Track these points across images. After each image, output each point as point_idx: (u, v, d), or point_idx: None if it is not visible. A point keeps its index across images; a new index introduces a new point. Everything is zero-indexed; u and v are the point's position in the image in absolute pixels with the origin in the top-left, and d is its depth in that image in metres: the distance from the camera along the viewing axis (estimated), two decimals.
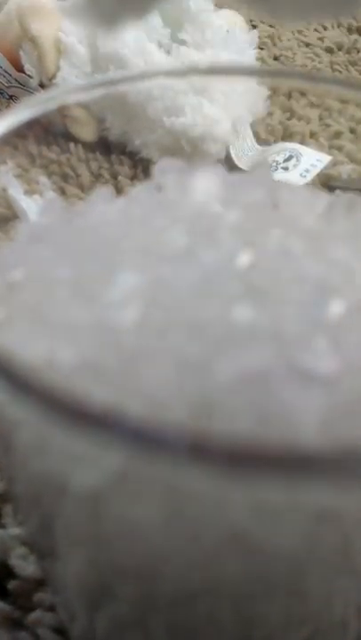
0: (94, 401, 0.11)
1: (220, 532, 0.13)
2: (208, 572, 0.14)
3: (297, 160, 0.34)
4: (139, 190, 0.18)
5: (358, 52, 0.53)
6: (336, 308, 0.15)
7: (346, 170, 0.32)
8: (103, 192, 0.18)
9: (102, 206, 0.17)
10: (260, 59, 0.48)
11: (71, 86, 0.20)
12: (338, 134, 0.33)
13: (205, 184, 0.18)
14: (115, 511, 0.13)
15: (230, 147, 0.35)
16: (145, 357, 0.14)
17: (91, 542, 0.15)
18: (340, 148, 0.33)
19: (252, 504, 0.12)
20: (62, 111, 0.31)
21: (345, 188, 0.29)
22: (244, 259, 0.16)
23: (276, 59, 0.50)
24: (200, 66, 0.26)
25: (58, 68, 0.38)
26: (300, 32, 0.54)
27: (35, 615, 0.22)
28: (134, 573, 0.15)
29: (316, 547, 0.13)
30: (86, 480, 0.12)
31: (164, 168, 0.18)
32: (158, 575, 0.15)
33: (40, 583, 0.22)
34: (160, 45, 0.37)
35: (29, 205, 0.22)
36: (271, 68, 0.44)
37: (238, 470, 0.10)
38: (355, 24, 0.55)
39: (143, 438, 0.10)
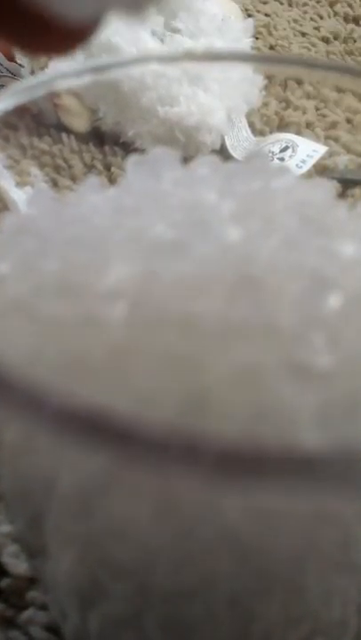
0: (81, 400, 0.10)
1: (212, 534, 0.12)
2: (201, 570, 0.14)
3: (293, 151, 0.34)
4: (130, 179, 0.18)
5: (355, 41, 0.52)
6: (334, 301, 0.15)
7: (342, 160, 0.32)
8: (93, 182, 0.17)
9: (92, 196, 0.17)
10: (256, 48, 0.47)
11: (61, 72, 0.20)
12: (334, 124, 0.33)
13: (200, 173, 0.17)
14: (104, 512, 0.13)
15: (225, 137, 0.35)
16: (134, 353, 0.13)
17: (81, 541, 0.14)
18: (336, 139, 0.33)
19: (245, 506, 0.11)
20: (52, 98, 0.30)
21: (341, 179, 0.29)
22: (238, 250, 0.15)
23: (271, 48, 0.50)
24: (193, 52, 0.25)
25: (49, 58, 0.37)
26: (295, 21, 0.54)
27: (27, 614, 0.22)
28: (126, 571, 0.15)
29: (312, 547, 0.13)
30: (74, 481, 0.12)
31: (158, 157, 0.18)
32: (151, 573, 0.14)
33: (32, 581, 0.22)
34: (154, 34, 0.37)
35: (21, 197, 0.21)
36: (267, 55, 0.43)
37: (230, 473, 0.10)
38: (351, 13, 0.55)
39: (132, 439, 0.10)
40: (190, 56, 0.24)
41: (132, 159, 0.18)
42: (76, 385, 0.13)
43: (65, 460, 0.12)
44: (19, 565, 0.22)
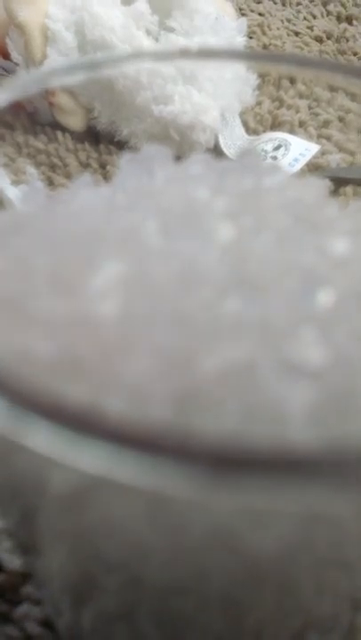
0: (72, 399, 0.10)
1: (205, 533, 0.12)
2: (194, 566, 0.14)
3: (286, 149, 0.34)
4: (123, 177, 0.18)
5: (348, 40, 0.52)
6: (326, 297, 0.15)
7: (335, 159, 0.32)
8: (85, 179, 0.17)
9: (85, 194, 0.17)
10: (250, 47, 0.47)
11: (54, 68, 0.20)
12: (327, 123, 0.33)
13: (193, 171, 0.17)
14: (96, 512, 0.13)
15: (219, 136, 0.35)
16: (126, 351, 0.13)
17: (73, 539, 0.14)
18: (328, 138, 0.33)
19: (239, 506, 0.11)
20: (47, 97, 0.30)
21: (333, 177, 0.29)
22: (231, 247, 0.15)
23: (265, 47, 0.50)
24: (188, 49, 0.25)
25: (45, 56, 0.37)
26: (289, 21, 0.54)
27: (22, 609, 0.22)
28: (118, 566, 0.15)
29: (304, 545, 0.13)
30: (65, 481, 0.12)
31: (151, 154, 0.18)
32: (143, 568, 0.14)
33: (27, 577, 0.22)
34: (148, 32, 0.37)
35: (16, 196, 0.21)
36: (260, 52, 0.43)
37: (221, 473, 0.10)
38: (344, 13, 0.55)
39: (124, 440, 0.10)
40: (184, 53, 0.24)
41: (126, 157, 0.18)
42: (67, 383, 0.13)
43: (55, 463, 0.12)
44: (13, 560, 0.22)
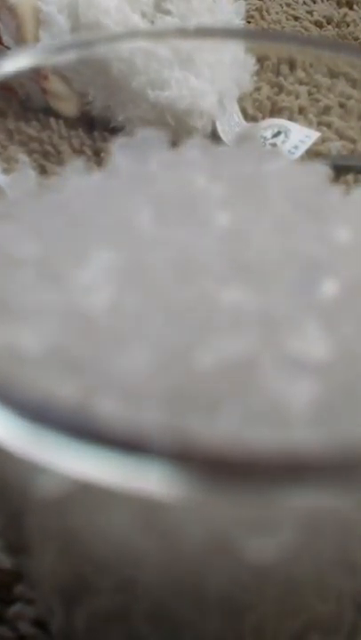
0: (61, 400, 0.10)
1: (202, 539, 0.12)
2: (191, 572, 0.13)
3: (285, 136, 0.33)
4: (117, 162, 0.17)
5: (348, 25, 0.52)
6: (329, 289, 0.14)
7: (335, 146, 0.31)
8: (77, 165, 0.17)
9: (77, 180, 0.16)
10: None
11: (45, 47, 0.19)
12: (327, 109, 0.33)
13: (189, 156, 0.17)
14: (83, 518, 0.12)
15: (217, 122, 0.35)
16: (119, 345, 0.13)
17: (62, 539, 0.14)
18: (329, 125, 0.33)
19: (238, 512, 0.11)
20: (40, 81, 0.30)
21: (334, 165, 0.29)
22: (229, 236, 0.15)
23: None
24: (184, 28, 0.25)
25: (37, 39, 0.37)
26: (288, 5, 0.53)
27: (15, 609, 0.21)
28: (111, 567, 0.14)
29: (308, 550, 0.13)
30: (50, 487, 0.11)
31: (146, 139, 0.17)
32: (138, 571, 0.14)
33: (20, 576, 0.22)
34: (144, 15, 0.36)
35: (7, 184, 0.21)
36: (258, 31, 0.43)
37: (221, 478, 0.10)
38: None
39: (115, 443, 0.10)
40: (181, 33, 0.24)
41: (119, 141, 0.18)
42: (58, 378, 0.12)
43: (40, 468, 0.11)
44: (5, 560, 0.22)
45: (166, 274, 0.14)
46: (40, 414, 0.10)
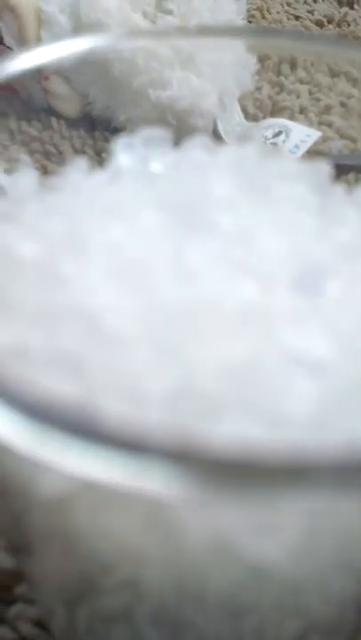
0: (63, 400, 0.10)
1: (205, 540, 0.12)
2: (192, 576, 0.13)
3: (286, 136, 0.33)
4: (119, 161, 0.17)
5: (349, 25, 0.52)
6: (332, 287, 0.14)
7: (336, 145, 0.31)
8: (79, 164, 0.17)
9: (78, 180, 0.16)
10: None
11: (47, 47, 0.19)
12: (328, 109, 0.33)
13: (191, 155, 0.17)
14: (86, 518, 0.12)
15: (218, 121, 0.35)
16: (121, 345, 0.13)
17: (63, 541, 0.14)
18: (329, 124, 0.33)
19: (240, 514, 0.11)
20: (41, 81, 0.30)
21: (335, 164, 0.29)
22: (232, 236, 0.15)
23: None
24: (185, 27, 0.25)
25: (39, 39, 0.37)
26: (289, 4, 0.53)
27: (15, 609, 0.21)
28: (113, 570, 0.14)
29: (311, 552, 0.13)
30: (53, 487, 0.11)
31: (148, 138, 0.17)
32: (140, 568, 0.14)
33: (21, 576, 0.22)
34: (145, 15, 0.36)
35: (9, 184, 0.21)
36: (260, 29, 0.43)
37: (224, 479, 0.09)
38: None
39: (118, 442, 0.10)
40: (181, 32, 0.24)
41: (121, 140, 0.18)
42: (61, 379, 0.12)
43: (43, 467, 0.11)
44: (7, 559, 0.22)
45: (168, 273, 0.14)
46: (43, 414, 0.10)
